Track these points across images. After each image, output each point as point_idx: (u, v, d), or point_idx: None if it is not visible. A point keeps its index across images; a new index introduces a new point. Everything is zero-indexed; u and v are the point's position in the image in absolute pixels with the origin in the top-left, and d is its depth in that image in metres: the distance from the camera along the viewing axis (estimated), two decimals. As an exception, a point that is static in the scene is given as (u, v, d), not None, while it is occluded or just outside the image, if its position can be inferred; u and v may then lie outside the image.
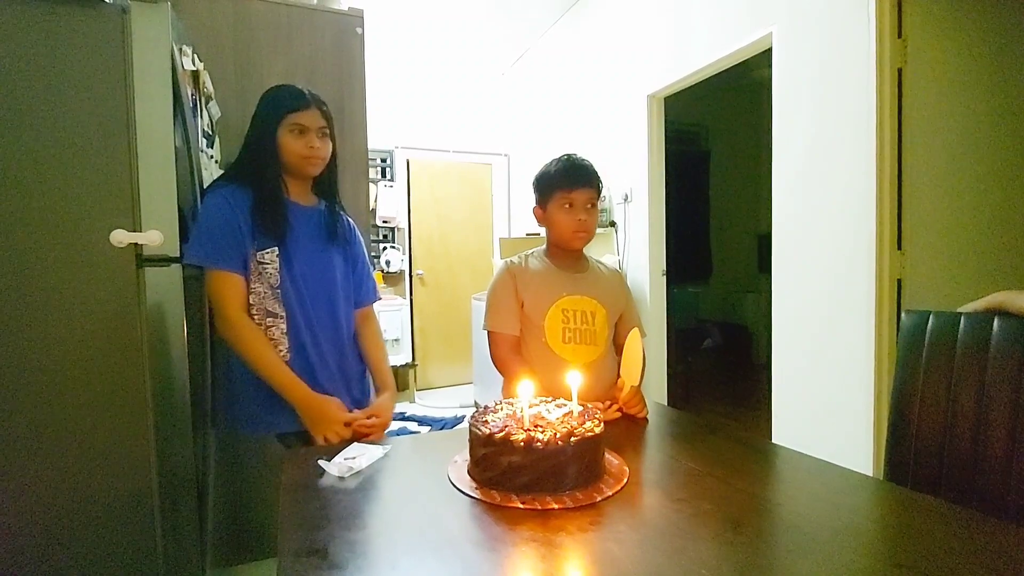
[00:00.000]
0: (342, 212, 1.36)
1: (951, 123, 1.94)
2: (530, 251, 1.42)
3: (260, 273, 1.19)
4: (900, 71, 1.85)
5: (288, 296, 1.20)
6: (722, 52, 2.50)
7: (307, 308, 1.23)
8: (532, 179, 1.39)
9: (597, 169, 1.37)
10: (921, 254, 1.88)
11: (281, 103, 1.22)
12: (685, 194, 4.33)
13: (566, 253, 1.37)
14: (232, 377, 1.22)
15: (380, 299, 1.49)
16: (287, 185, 1.25)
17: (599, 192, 1.36)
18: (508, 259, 1.40)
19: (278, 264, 1.19)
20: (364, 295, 1.40)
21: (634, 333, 1.23)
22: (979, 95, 1.99)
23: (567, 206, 1.31)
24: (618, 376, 1.24)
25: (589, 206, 1.33)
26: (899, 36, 1.85)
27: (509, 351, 1.31)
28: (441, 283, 4.70)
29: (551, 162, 1.36)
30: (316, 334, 1.24)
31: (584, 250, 1.40)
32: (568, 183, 1.31)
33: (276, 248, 1.19)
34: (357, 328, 1.38)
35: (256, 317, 1.19)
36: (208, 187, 1.25)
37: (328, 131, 1.25)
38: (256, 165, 1.21)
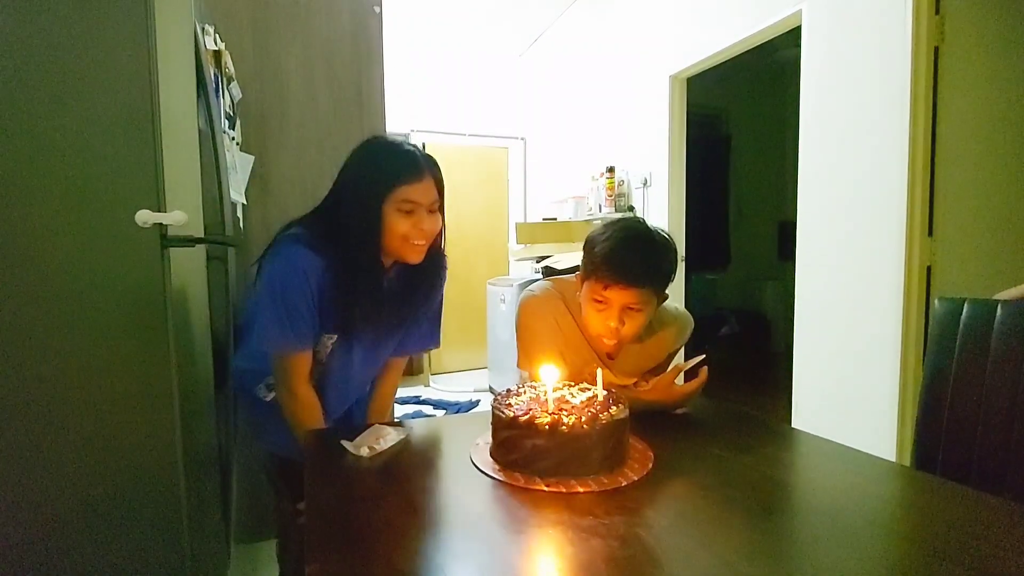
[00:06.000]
0: (437, 258, 1.20)
1: (989, 105, 1.87)
2: (572, 295, 1.16)
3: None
4: (937, 50, 1.78)
5: (319, 366, 1.15)
6: (749, 30, 2.42)
7: (326, 384, 1.17)
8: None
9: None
10: (953, 240, 1.83)
11: (391, 171, 1.01)
12: (703, 180, 4.24)
13: None
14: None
15: (437, 347, 1.34)
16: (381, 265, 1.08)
17: (657, 290, 1.04)
18: (551, 305, 1.17)
19: (330, 348, 1.13)
20: (411, 346, 1.27)
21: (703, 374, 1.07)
22: (1019, 75, 1.91)
23: (598, 300, 1.03)
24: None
25: (631, 309, 1.02)
26: (936, 13, 1.77)
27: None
28: (456, 268, 4.65)
29: (607, 227, 1.06)
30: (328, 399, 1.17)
31: None
32: (605, 276, 1.00)
33: (335, 336, 1.11)
34: (380, 371, 1.30)
35: None
36: (285, 235, 1.11)
37: (440, 204, 1.07)
38: (353, 245, 1.04)
